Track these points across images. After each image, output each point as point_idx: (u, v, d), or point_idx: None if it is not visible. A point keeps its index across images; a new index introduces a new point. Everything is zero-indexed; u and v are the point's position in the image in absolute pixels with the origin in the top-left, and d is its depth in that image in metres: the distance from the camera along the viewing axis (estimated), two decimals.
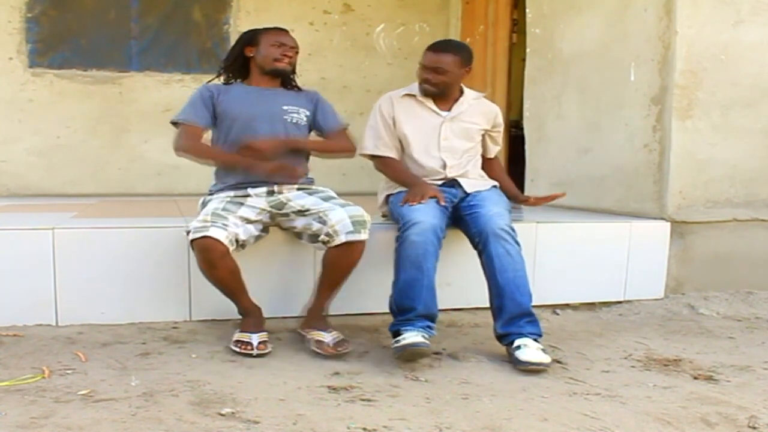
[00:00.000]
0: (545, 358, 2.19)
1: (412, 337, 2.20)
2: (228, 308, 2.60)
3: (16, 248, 2.53)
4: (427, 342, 2.20)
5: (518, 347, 2.22)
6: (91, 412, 1.74)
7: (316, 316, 2.45)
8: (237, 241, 2.33)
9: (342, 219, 2.31)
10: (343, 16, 5.52)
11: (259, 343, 2.29)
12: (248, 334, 2.32)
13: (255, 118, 2.52)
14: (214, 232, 2.22)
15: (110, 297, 2.59)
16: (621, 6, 3.53)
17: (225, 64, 2.66)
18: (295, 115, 2.58)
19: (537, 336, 2.29)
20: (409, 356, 2.17)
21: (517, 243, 2.39)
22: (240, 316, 2.45)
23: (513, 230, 2.40)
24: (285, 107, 2.58)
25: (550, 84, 4.12)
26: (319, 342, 2.31)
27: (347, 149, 2.67)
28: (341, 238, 2.31)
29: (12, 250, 2.53)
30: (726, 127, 3.30)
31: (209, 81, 2.66)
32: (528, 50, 4.35)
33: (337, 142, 2.65)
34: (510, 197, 2.77)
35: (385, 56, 5.62)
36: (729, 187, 3.33)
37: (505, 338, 2.30)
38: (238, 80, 2.66)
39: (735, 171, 3.34)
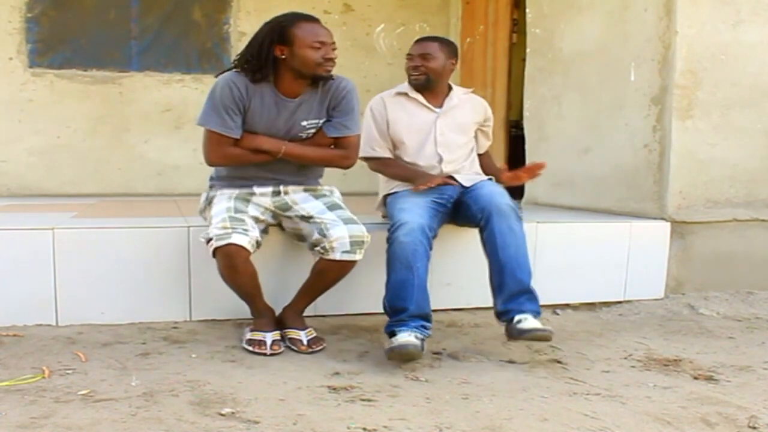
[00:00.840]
0: (547, 327, 2.23)
1: (403, 338, 2.20)
2: (228, 308, 2.61)
3: (16, 248, 2.53)
4: (418, 343, 2.19)
5: (518, 321, 2.26)
6: (91, 412, 1.74)
7: (293, 315, 2.48)
8: (257, 243, 2.33)
9: (341, 237, 2.31)
10: (343, 16, 5.51)
11: (272, 343, 2.32)
12: (262, 333, 2.34)
13: (273, 135, 2.42)
14: (237, 239, 2.22)
15: (110, 297, 2.59)
16: (621, 6, 3.53)
17: (247, 62, 2.35)
18: (312, 130, 2.48)
19: (536, 313, 2.32)
20: (398, 357, 2.17)
21: (520, 219, 2.42)
22: (252, 317, 2.46)
23: (516, 207, 2.43)
24: (304, 123, 2.44)
25: (550, 84, 4.12)
26: (294, 340, 2.38)
27: (341, 163, 2.50)
28: (336, 256, 2.32)
29: (12, 250, 2.53)
30: (726, 127, 3.30)
31: (228, 69, 2.40)
32: (528, 50, 4.35)
33: (332, 153, 2.49)
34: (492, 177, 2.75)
35: (385, 56, 5.62)
36: (729, 187, 3.33)
37: (505, 315, 2.32)
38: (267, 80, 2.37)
39: (735, 171, 3.34)
